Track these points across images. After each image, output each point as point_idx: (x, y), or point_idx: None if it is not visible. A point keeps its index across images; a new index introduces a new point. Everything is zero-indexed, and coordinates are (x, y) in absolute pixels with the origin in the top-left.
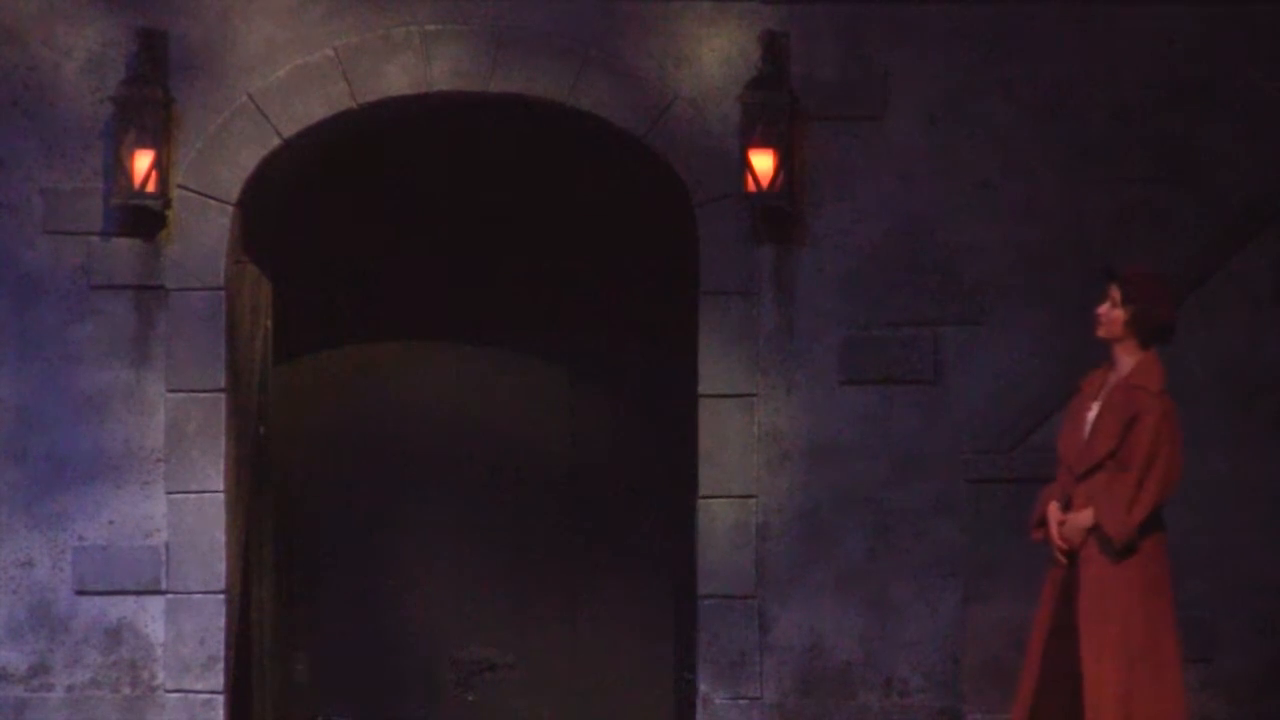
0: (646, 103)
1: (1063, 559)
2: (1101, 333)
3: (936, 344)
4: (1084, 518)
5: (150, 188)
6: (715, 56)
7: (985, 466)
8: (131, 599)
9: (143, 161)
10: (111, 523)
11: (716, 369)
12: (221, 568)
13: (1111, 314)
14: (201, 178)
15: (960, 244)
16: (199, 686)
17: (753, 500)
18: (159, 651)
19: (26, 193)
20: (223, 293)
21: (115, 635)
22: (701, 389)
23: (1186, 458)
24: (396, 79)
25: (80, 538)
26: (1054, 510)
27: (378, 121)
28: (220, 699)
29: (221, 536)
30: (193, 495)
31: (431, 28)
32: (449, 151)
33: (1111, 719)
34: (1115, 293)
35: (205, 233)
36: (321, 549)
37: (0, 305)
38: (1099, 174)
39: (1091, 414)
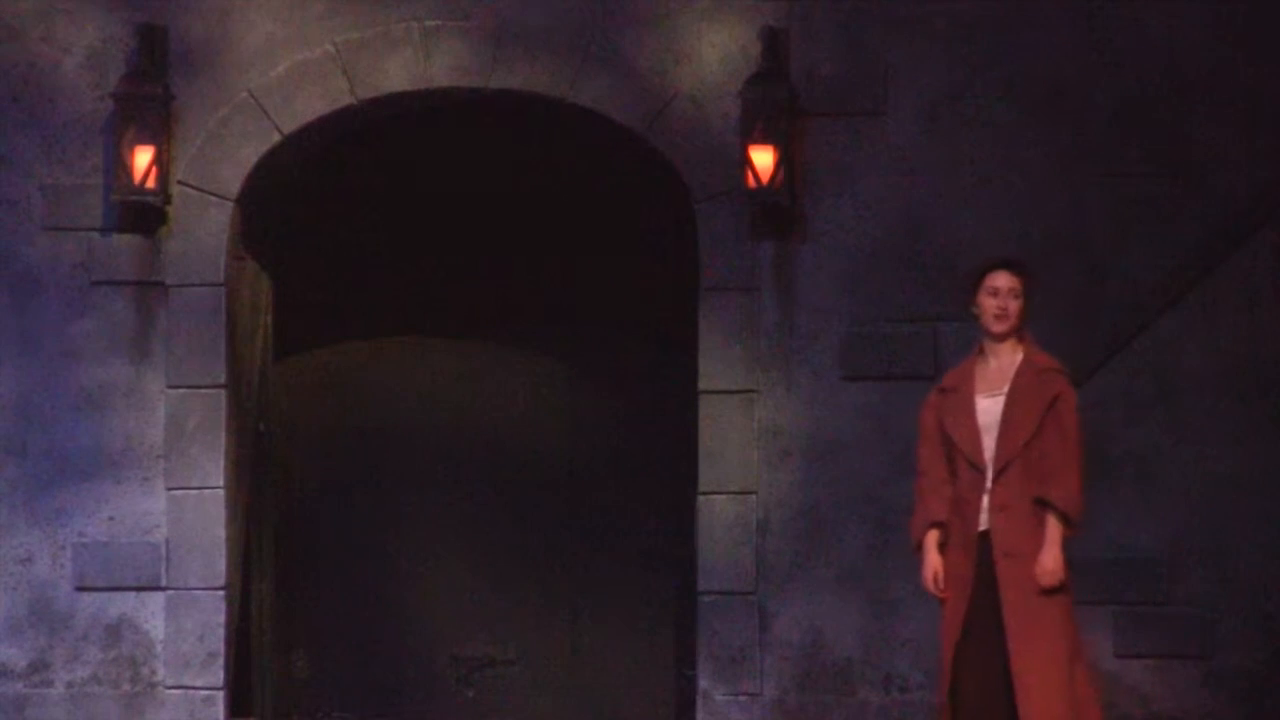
0: (646, 99)
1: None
2: (1003, 328)
3: (936, 340)
4: (1055, 547)
5: (150, 184)
6: (715, 53)
7: None
8: (131, 595)
9: (143, 158)
10: (111, 519)
11: (717, 365)
12: (221, 564)
13: (1015, 306)
14: (202, 174)
15: (960, 240)
16: (199, 683)
17: (753, 496)
18: (159, 648)
19: (27, 189)
20: (223, 289)
21: (115, 631)
22: (702, 385)
23: (1187, 455)
24: (396, 75)
25: (80, 534)
26: (937, 563)
27: (377, 118)
28: (220, 695)
29: (221, 533)
30: (193, 491)
31: (431, 24)
32: (449, 148)
33: (1063, 713)
34: (1019, 284)
35: (205, 229)
36: (321, 545)
37: (0, 301)
38: (1098, 170)
39: (983, 405)
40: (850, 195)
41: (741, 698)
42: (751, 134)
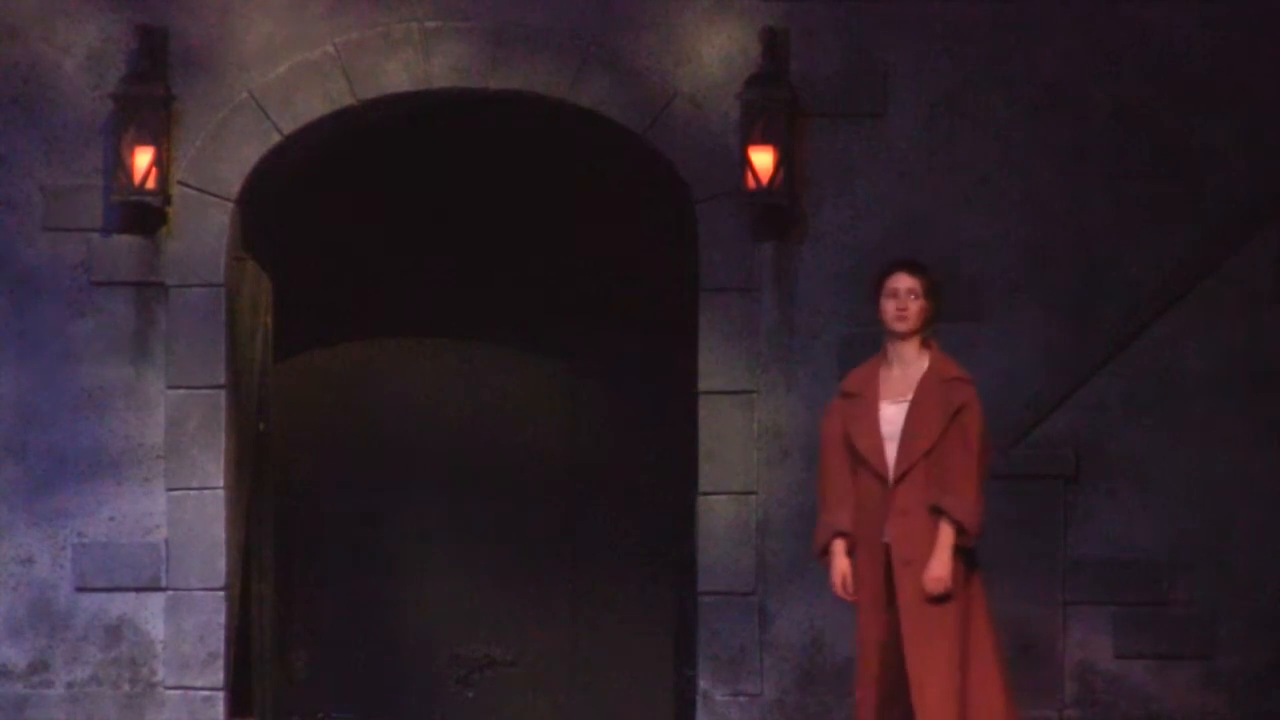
0: (646, 100)
1: (853, 595)
2: (904, 328)
3: (935, 340)
4: (945, 553)
5: (150, 184)
6: (715, 54)
7: None
8: (131, 595)
9: (143, 158)
10: (112, 519)
11: (716, 366)
12: (221, 564)
13: (915, 306)
14: (202, 174)
15: (960, 241)
16: (199, 683)
17: (753, 497)
18: (159, 648)
19: (27, 190)
20: (223, 289)
21: (115, 632)
22: (701, 386)
23: (1186, 455)
24: (396, 76)
25: (80, 534)
26: (845, 567)
27: (377, 118)
28: (220, 695)
29: (221, 533)
30: (193, 492)
31: (431, 24)
32: (449, 148)
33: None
34: (918, 285)
35: (205, 229)
36: (322, 545)
37: (0, 302)
38: (1099, 171)
39: (887, 413)
40: (850, 196)
41: (741, 698)
42: (751, 135)
